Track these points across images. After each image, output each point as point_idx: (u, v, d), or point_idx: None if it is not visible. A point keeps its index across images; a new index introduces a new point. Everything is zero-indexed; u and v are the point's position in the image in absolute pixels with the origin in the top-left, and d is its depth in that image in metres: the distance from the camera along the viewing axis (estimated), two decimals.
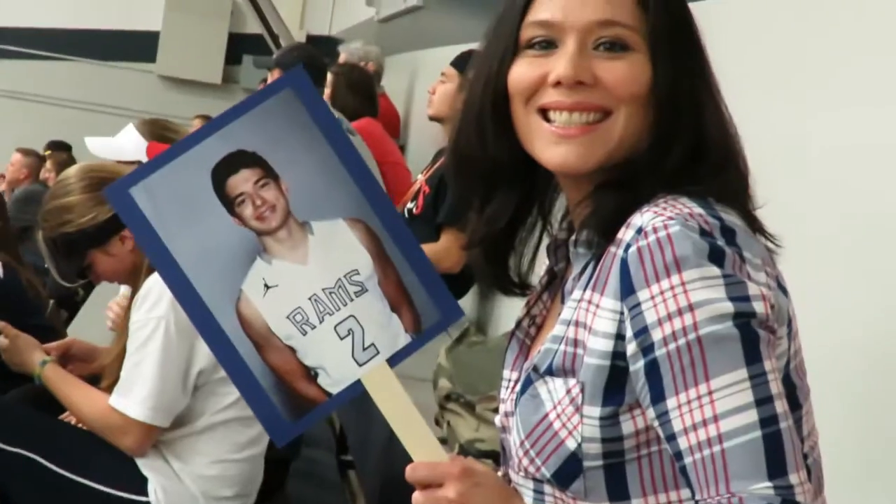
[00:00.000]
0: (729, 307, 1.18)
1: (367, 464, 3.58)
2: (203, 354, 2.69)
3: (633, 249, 1.23)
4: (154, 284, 2.68)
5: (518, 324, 1.53)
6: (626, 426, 1.27)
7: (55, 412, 3.12)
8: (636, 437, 1.27)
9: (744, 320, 1.18)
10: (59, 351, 3.03)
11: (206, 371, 2.72)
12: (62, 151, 8.39)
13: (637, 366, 1.22)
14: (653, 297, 1.20)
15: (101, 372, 2.95)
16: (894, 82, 1.92)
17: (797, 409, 1.31)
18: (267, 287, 1.39)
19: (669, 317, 1.19)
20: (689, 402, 1.18)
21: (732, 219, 1.28)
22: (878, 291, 1.88)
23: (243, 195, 1.39)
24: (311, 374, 1.40)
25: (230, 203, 1.39)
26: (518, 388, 1.39)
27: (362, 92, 5.62)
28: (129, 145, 3.55)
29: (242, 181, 1.38)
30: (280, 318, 1.39)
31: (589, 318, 1.29)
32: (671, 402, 1.19)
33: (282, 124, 1.40)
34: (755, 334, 1.19)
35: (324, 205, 1.41)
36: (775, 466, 1.14)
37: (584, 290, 1.32)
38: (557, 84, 1.33)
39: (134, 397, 2.66)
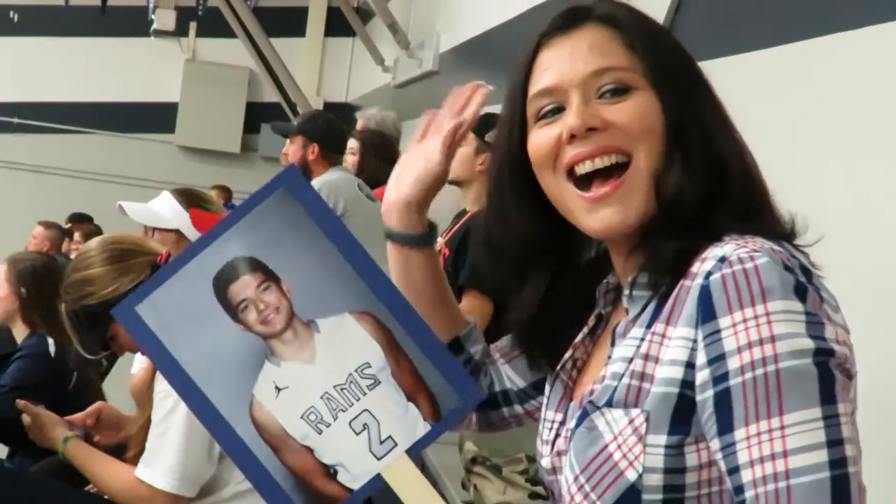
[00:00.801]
0: (810, 344, 1.18)
1: None
2: None
3: (715, 277, 1.22)
4: None
5: (562, 366, 1.53)
6: (691, 458, 1.25)
7: (81, 483, 3.13)
8: (698, 472, 1.25)
9: (822, 359, 1.18)
10: (91, 417, 3.03)
11: None
12: (87, 223, 8.44)
13: (706, 394, 1.21)
14: (734, 325, 1.20)
15: (127, 442, 2.95)
16: None
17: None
18: (278, 389, 1.40)
19: (749, 346, 1.18)
20: (758, 434, 1.16)
21: (806, 260, 1.28)
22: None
23: (246, 301, 1.40)
24: (330, 472, 1.39)
25: (234, 310, 1.40)
26: (572, 424, 1.37)
27: (385, 157, 5.63)
28: (167, 213, 3.57)
29: (244, 287, 1.40)
30: (294, 419, 1.40)
31: (658, 350, 1.28)
32: (739, 434, 1.18)
33: (278, 225, 1.40)
34: (832, 375, 1.18)
35: (328, 301, 1.40)
36: None
37: (651, 324, 1.31)
38: (572, 138, 1.34)
39: (160, 467, 2.65)
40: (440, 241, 4.45)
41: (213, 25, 10.11)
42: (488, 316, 4.06)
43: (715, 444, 1.21)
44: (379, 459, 1.38)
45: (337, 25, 10.35)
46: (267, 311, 1.39)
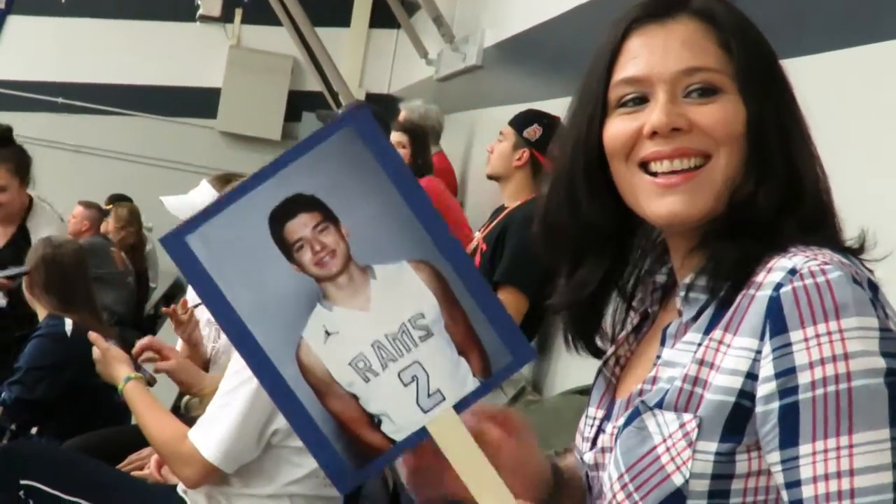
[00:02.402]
0: (882, 363, 1.17)
1: None
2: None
3: (786, 289, 1.21)
4: None
5: (605, 362, 1.52)
6: (741, 466, 1.24)
7: (111, 461, 3.15)
8: (746, 480, 1.25)
9: (894, 379, 1.17)
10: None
11: (282, 432, 2.72)
12: (126, 204, 8.49)
13: (769, 407, 1.20)
14: (806, 340, 1.19)
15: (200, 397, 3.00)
16: None
17: None
18: (328, 334, 1.36)
19: (822, 362, 1.17)
20: (825, 451, 1.16)
21: (868, 274, 1.27)
22: None
23: (302, 241, 1.34)
24: (374, 422, 1.36)
25: (288, 249, 1.35)
26: (620, 423, 1.36)
27: (418, 149, 5.65)
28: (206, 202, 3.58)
29: (301, 226, 1.34)
30: (342, 365, 1.36)
31: (715, 357, 1.27)
32: (804, 449, 1.17)
33: (342, 165, 1.35)
34: None
35: (387, 248, 1.36)
36: None
37: (709, 330, 1.30)
38: (654, 135, 1.33)
39: (213, 437, 2.67)
40: (478, 235, 4.45)
41: (259, 12, 10.14)
42: (523, 312, 4.07)
43: (774, 456, 1.20)
44: (426, 412, 1.34)
45: (382, 17, 10.35)
46: (323, 253, 1.35)
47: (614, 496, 1.33)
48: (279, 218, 1.34)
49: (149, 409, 2.86)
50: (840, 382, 1.16)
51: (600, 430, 1.45)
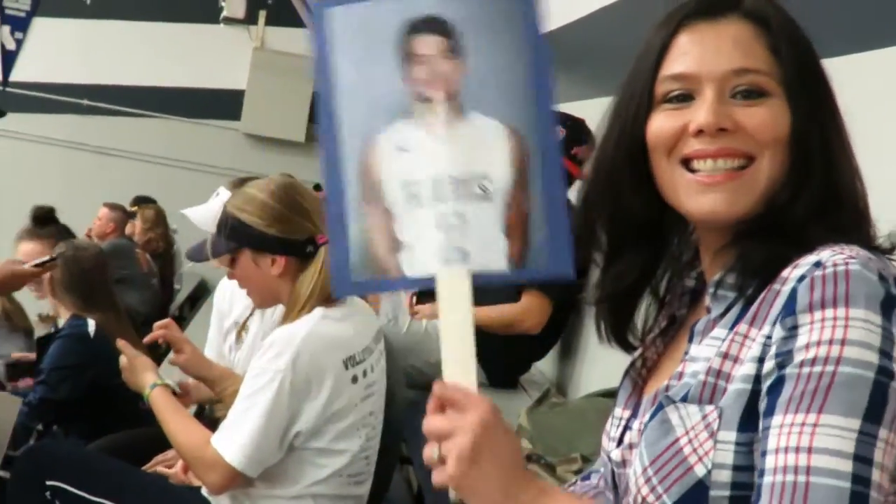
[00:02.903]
0: (876, 359, 1.17)
1: None
2: (307, 418, 2.68)
3: (807, 279, 1.23)
4: (281, 336, 2.69)
5: (632, 364, 1.53)
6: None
7: (137, 463, 3.16)
8: None
9: (884, 379, 1.17)
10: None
11: (304, 434, 2.70)
12: (151, 206, 8.53)
13: (767, 382, 1.21)
14: (811, 323, 1.20)
15: (222, 398, 3.00)
16: None
17: None
18: (399, 148, 1.37)
19: (819, 343, 1.18)
20: (792, 424, 1.16)
21: None
22: None
23: (422, 57, 1.36)
24: (395, 245, 1.36)
25: (407, 59, 1.36)
26: (645, 419, 1.37)
27: None
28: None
29: (428, 45, 1.36)
30: (396, 181, 1.36)
31: (739, 350, 1.28)
32: (776, 420, 1.17)
33: (491, 11, 1.35)
34: (886, 397, 1.16)
35: (494, 103, 1.35)
36: None
37: (734, 325, 1.31)
38: (699, 133, 1.34)
39: (234, 441, 2.66)
40: None
41: (283, 14, 10.17)
42: (547, 315, 4.07)
43: (760, 427, 1.21)
44: (443, 263, 1.34)
45: None
46: (434, 77, 1.36)
47: (639, 490, 1.34)
48: (413, 28, 1.36)
49: (174, 415, 2.85)
50: (828, 364, 1.17)
51: (626, 428, 1.46)
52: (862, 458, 1.14)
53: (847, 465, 1.13)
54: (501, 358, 4.17)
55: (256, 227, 2.83)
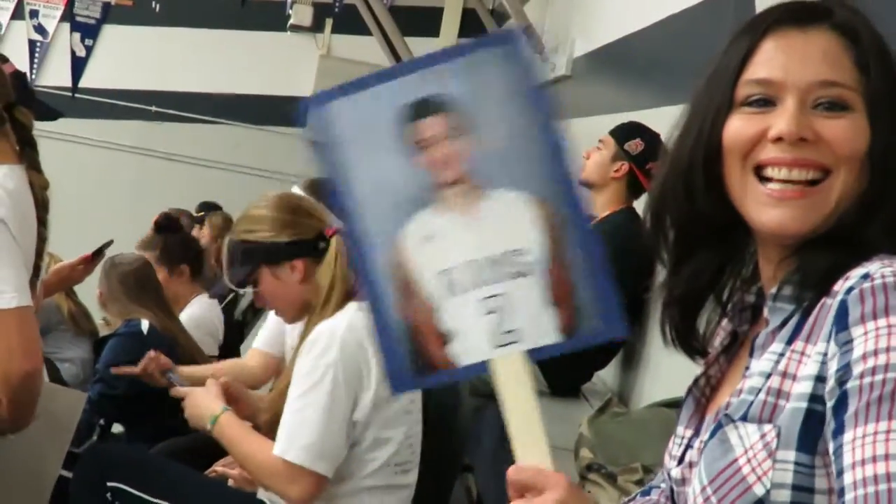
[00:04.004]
0: None
1: None
2: (362, 406, 2.69)
3: (854, 292, 1.21)
4: (323, 331, 2.69)
5: (695, 382, 1.52)
6: (820, 481, 1.22)
7: (197, 467, 3.18)
8: (829, 497, 1.22)
9: None
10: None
11: (360, 424, 2.70)
12: (216, 211, 8.60)
13: (831, 402, 1.19)
14: (865, 334, 1.18)
15: (255, 415, 3.00)
16: None
17: None
18: (427, 238, 1.35)
19: (875, 353, 1.15)
20: (864, 436, 1.13)
21: None
22: None
23: (429, 140, 1.35)
24: (443, 337, 1.35)
25: (415, 145, 1.35)
26: (706, 436, 1.36)
27: None
28: None
29: (432, 126, 1.35)
30: (431, 272, 1.35)
31: (796, 367, 1.27)
32: (848, 436, 1.14)
33: (490, 80, 1.33)
34: None
35: (512, 174, 1.33)
36: None
37: (791, 341, 1.29)
38: (778, 140, 1.32)
39: (298, 444, 2.64)
40: None
41: (349, 22, 10.23)
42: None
43: (831, 448, 1.18)
44: (496, 347, 1.32)
45: (471, 27, 10.35)
46: (446, 159, 1.34)
47: None
48: (414, 112, 1.35)
49: (241, 441, 2.80)
50: (889, 371, 1.14)
51: (688, 447, 1.45)
52: None
53: None
54: (563, 367, 4.13)
55: (266, 240, 2.89)
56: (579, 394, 4.33)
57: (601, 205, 4.25)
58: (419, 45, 9.44)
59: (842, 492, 1.14)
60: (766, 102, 1.35)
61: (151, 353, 3.56)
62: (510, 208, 1.34)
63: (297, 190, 3.84)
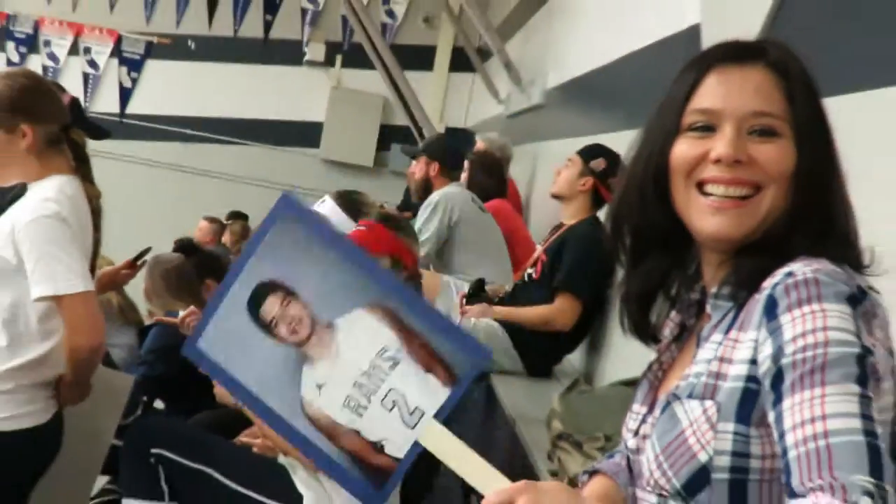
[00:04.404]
0: (855, 340, 1.16)
1: None
2: None
3: (780, 286, 1.22)
4: None
5: (650, 367, 1.53)
6: (755, 447, 1.24)
7: (229, 436, 3.18)
8: (762, 461, 1.24)
9: (864, 354, 1.16)
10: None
11: None
12: (242, 220, 8.61)
13: (768, 378, 1.20)
14: (793, 320, 1.19)
15: None
16: None
17: None
18: (319, 387, 1.39)
19: (803, 334, 1.17)
20: (802, 402, 1.14)
21: (864, 284, 1.26)
22: None
23: (274, 318, 1.40)
24: (378, 448, 1.38)
25: (268, 327, 1.40)
26: (656, 413, 1.37)
27: (495, 175, 5.67)
28: (333, 217, 3.56)
29: (271, 307, 1.40)
30: (338, 408, 1.39)
31: (732, 352, 1.28)
32: (787, 403, 1.15)
33: (284, 247, 1.39)
34: (870, 369, 1.16)
35: (341, 302, 1.39)
36: (876, 470, 1.08)
37: (728, 331, 1.31)
38: (717, 161, 1.33)
39: None
40: (539, 248, 4.45)
41: (356, 58, 10.21)
42: (577, 315, 4.07)
43: (771, 417, 1.19)
44: (412, 428, 1.36)
45: (460, 62, 10.37)
46: (293, 324, 1.39)
47: (651, 474, 1.34)
48: (253, 305, 1.40)
49: None
50: (818, 348, 1.16)
51: (643, 421, 1.46)
52: (866, 416, 1.12)
53: (857, 423, 1.11)
54: (538, 352, 4.18)
55: None
56: (551, 374, 4.34)
57: (569, 214, 4.27)
58: (416, 78, 9.47)
59: (784, 451, 1.14)
60: (707, 128, 1.36)
61: (192, 308, 3.58)
62: (357, 325, 1.39)
63: (328, 199, 3.79)
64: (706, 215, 1.35)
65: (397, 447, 1.37)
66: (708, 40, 2.68)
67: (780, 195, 1.33)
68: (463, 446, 1.33)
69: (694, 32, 3.42)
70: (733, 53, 1.39)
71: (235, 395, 1.42)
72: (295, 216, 1.40)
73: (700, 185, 1.36)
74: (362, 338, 1.38)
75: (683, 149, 1.37)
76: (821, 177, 1.34)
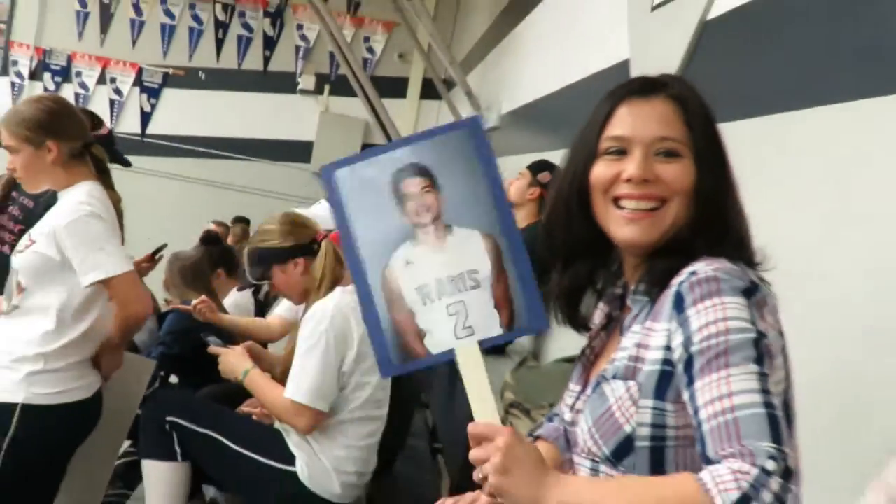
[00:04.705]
0: (750, 326, 1.17)
1: (451, 450, 3.56)
2: (347, 361, 2.71)
3: (685, 284, 1.23)
4: (318, 308, 2.73)
5: (583, 352, 1.52)
6: (671, 419, 1.24)
7: (233, 406, 3.16)
8: (677, 430, 1.24)
9: (759, 337, 1.17)
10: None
11: (346, 373, 2.73)
12: (241, 224, 8.56)
13: (681, 363, 1.20)
14: (697, 313, 1.19)
15: (277, 366, 3.01)
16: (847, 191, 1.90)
17: (790, 425, 1.27)
18: (408, 263, 1.37)
19: (708, 324, 1.17)
20: (710, 382, 1.14)
21: (755, 277, 1.27)
22: (836, 341, 1.85)
23: (410, 195, 1.37)
24: (420, 334, 1.36)
25: (400, 198, 1.37)
26: (588, 391, 1.37)
27: None
28: (327, 215, 3.57)
29: (413, 185, 1.37)
30: (410, 287, 1.37)
31: (648, 340, 1.28)
32: (698, 384, 1.16)
33: (454, 152, 1.37)
34: (763, 350, 1.16)
35: (468, 217, 1.37)
36: (776, 436, 1.09)
37: (644, 321, 1.31)
38: (629, 180, 1.34)
39: (302, 387, 2.67)
40: None
41: (342, 87, 10.17)
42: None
43: (686, 396, 1.19)
44: (458, 339, 1.35)
45: (429, 91, 10.37)
46: (422, 207, 1.37)
47: (585, 443, 1.35)
48: (402, 174, 1.37)
49: (263, 388, 2.83)
50: (720, 336, 1.16)
51: (578, 398, 1.46)
52: (765, 391, 1.13)
53: (759, 397, 1.12)
54: None
55: (275, 246, 2.92)
56: (505, 353, 4.34)
57: (520, 219, 4.27)
58: (392, 104, 9.44)
59: (699, 425, 1.15)
60: (620, 152, 1.36)
61: (203, 297, 3.63)
62: (467, 241, 1.37)
63: (324, 201, 3.83)
64: (622, 225, 1.35)
65: (435, 343, 1.36)
66: (636, 72, 2.69)
67: (683, 207, 1.34)
68: (483, 376, 1.32)
69: (624, 66, 3.44)
70: (640, 88, 1.39)
71: (339, 227, 1.38)
72: (476, 137, 1.37)
73: (616, 200, 1.36)
74: (465, 252, 1.36)
75: (601, 170, 1.38)
76: (717, 190, 1.34)
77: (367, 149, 1.40)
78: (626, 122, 1.37)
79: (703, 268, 1.23)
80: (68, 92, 10.47)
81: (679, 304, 1.23)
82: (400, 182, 1.37)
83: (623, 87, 1.41)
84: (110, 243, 2.68)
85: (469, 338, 1.35)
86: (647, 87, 1.39)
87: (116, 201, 2.88)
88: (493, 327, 1.36)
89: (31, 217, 3.45)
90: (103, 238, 2.67)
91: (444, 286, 1.36)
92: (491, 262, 1.36)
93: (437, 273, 1.36)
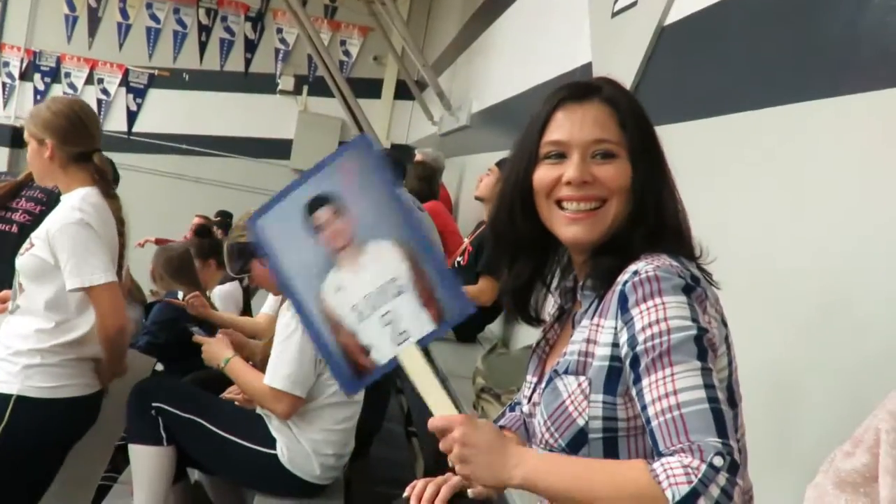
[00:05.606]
0: (691, 324, 1.17)
1: (426, 433, 3.55)
2: None
3: (629, 284, 1.22)
4: None
5: (538, 344, 1.52)
6: (621, 412, 1.24)
7: (216, 392, 3.14)
8: (627, 422, 1.25)
9: (699, 334, 1.17)
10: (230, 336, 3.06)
11: (322, 360, 2.69)
12: (227, 218, 8.51)
13: (627, 361, 1.20)
14: (641, 312, 1.19)
15: (255, 355, 3.00)
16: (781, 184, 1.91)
17: (735, 408, 1.27)
18: (337, 289, 1.37)
19: (650, 325, 1.17)
20: (656, 380, 1.15)
21: (695, 271, 1.27)
22: (780, 328, 1.86)
23: (322, 224, 1.37)
24: (366, 350, 1.36)
25: (314, 230, 1.37)
26: (543, 385, 1.37)
27: (429, 182, 5.65)
28: None
29: (322, 215, 1.36)
30: (346, 310, 1.36)
31: (596, 335, 1.28)
32: (645, 382, 1.16)
33: (349, 173, 1.37)
34: (706, 345, 1.17)
35: (379, 229, 1.37)
36: (721, 430, 1.10)
37: (593, 317, 1.30)
38: (568, 183, 1.33)
39: (280, 374, 2.66)
40: (466, 240, 4.44)
41: (319, 88, 10.15)
42: (496, 292, 4.06)
43: (633, 392, 1.19)
44: (397, 346, 1.35)
45: (402, 92, 10.34)
46: (335, 233, 1.36)
47: (542, 435, 1.34)
48: (311, 208, 1.37)
49: (244, 375, 2.82)
50: (662, 336, 1.16)
51: (535, 390, 1.45)
52: (709, 385, 1.14)
53: (702, 393, 1.12)
54: (465, 322, 4.16)
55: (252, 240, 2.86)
56: (476, 340, 4.35)
57: (489, 214, 4.27)
58: (367, 104, 9.43)
59: (648, 421, 1.16)
60: (559, 156, 1.36)
61: (196, 293, 3.62)
62: (382, 253, 1.37)
63: None
64: (565, 226, 1.35)
65: (381, 355, 1.36)
66: (598, 74, 2.70)
67: (621, 205, 1.33)
68: (429, 372, 1.33)
69: (587, 68, 3.44)
70: (575, 92, 1.38)
71: (273, 271, 1.39)
72: (366, 154, 1.38)
73: (558, 202, 1.36)
74: (383, 263, 1.36)
75: (542, 174, 1.37)
76: (652, 188, 1.34)
77: (276, 194, 1.40)
78: (564, 126, 1.36)
79: (644, 267, 1.23)
80: (56, 92, 10.34)
81: (623, 304, 1.23)
82: (310, 216, 1.37)
83: (558, 92, 1.40)
84: (93, 253, 2.65)
85: (406, 342, 1.35)
86: (581, 92, 1.38)
87: (116, 209, 2.84)
88: (425, 326, 1.35)
89: (51, 199, 3.49)
90: (87, 246, 2.64)
91: (373, 300, 1.36)
92: (408, 267, 1.36)
93: (365, 290, 1.36)
